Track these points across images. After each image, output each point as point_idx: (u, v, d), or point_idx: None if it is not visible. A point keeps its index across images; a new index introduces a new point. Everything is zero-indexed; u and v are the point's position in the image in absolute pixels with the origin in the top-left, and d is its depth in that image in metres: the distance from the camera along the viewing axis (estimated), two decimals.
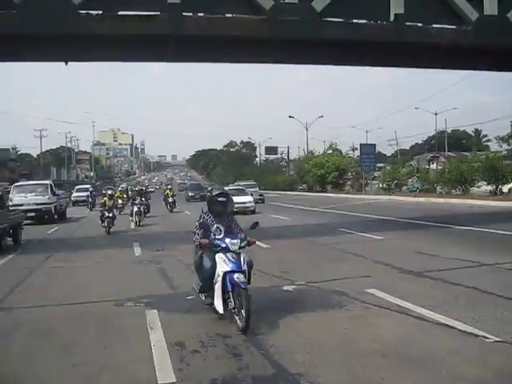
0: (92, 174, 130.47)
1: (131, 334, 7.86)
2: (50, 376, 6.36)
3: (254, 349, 6.99)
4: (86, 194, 50.84)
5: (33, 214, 30.25)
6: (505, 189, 39.91)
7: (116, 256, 16.58)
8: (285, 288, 10.79)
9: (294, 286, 10.88)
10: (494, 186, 40.43)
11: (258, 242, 17.97)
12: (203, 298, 8.69)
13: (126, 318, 8.88)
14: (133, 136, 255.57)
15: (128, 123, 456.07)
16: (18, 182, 40.22)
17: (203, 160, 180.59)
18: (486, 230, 19.56)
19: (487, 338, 7.00)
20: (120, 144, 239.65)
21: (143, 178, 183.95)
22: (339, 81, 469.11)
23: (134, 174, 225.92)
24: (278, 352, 6.79)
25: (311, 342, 7.16)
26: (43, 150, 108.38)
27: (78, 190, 59.88)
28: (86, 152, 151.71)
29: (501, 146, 39.15)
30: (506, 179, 39.41)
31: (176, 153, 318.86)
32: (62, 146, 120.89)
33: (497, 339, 6.93)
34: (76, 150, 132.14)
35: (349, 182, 69.59)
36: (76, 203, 55.07)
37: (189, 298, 10.18)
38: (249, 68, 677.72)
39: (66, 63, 20.37)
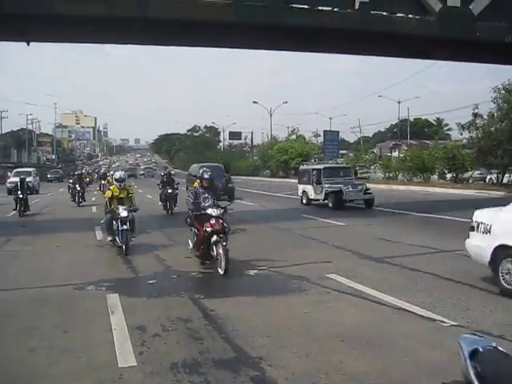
0: (54, 156, 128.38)
1: (92, 318, 7.82)
2: (10, 360, 6.29)
3: (215, 333, 7.02)
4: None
5: None
6: (465, 176, 40.68)
7: (77, 240, 16.41)
8: (246, 272, 10.84)
9: (255, 271, 10.92)
10: (454, 174, 41.15)
11: None
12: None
13: (86, 301, 8.82)
14: (96, 119, 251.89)
15: (91, 106, 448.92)
16: None
17: (166, 144, 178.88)
18: (446, 217, 19.89)
19: (444, 322, 7.15)
20: (82, 127, 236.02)
21: (101, 162, 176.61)
22: (305, 67, 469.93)
23: (97, 158, 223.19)
24: (239, 336, 6.83)
25: (271, 325, 7.22)
26: (3, 132, 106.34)
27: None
28: (47, 134, 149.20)
29: (461, 134, 39.66)
30: (465, 168, 40.12)
31: (139, 136, 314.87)
32: (22, 128, 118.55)
33: (453, 323, 7.08)
34: (37, 133, 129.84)
35: None
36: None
37: (150, 282, 10.18)
38: (215, 53, 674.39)
39: (28, 43, 20.01)
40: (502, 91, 34.79)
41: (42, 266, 12.32)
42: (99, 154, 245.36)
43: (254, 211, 24.85)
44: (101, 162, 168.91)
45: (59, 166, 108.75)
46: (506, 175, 36.20)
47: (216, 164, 36.56)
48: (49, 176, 76.74)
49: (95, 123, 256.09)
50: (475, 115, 37.30)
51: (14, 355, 6.43)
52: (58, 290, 9.70)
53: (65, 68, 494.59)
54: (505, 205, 9.29)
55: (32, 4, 16.15)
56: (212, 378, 5.56)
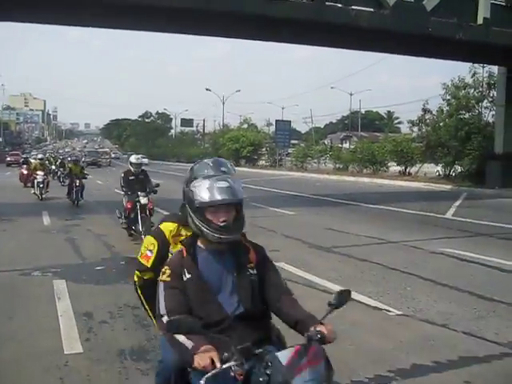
0: (0, 139, 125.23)
1: (38, 304, 7.69)
2: None
3: None
4: None
5: None
6: (413, 170, 41.44)
7: (24, 225, 16.09)
8: None
9: None
10: (403, 167, 41.88)
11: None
12: None
13: (32, 287, 8.67)
14: (45, 102, 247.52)
15: (41, 89, 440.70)
16: None
17: (117, 129, 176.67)
18: (394, 208, 20.22)
19: (390, 311, 7.29)
20: (31, 109, 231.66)
21: (45, 148, 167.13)
22: (258, 56, 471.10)
23: (46, 141, 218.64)
24: None
25: None
26: None
27: None
28: None
29: (412, 130, 40.36)
30: (414, 161, 40.87)
31: (89, 121, 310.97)
32: None
33: (399, 313, 7.23)
34: None
35: (263, 158, 70.10)
36: None
37: (98, 268, 10.07)
38: (168, 38, 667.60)
39: None
40: (452, 87, 35.39)
41: None
42: (48, 138, 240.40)
43: None
44: (50, 146, 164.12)
45: (6, 149, 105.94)
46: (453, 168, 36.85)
47: None
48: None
49: (44, 106, 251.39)
50: (424, 111, 37.90)
51: None
52: (3, 276, 9.50)
53: (14, 49, 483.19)
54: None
55: None
56: None
